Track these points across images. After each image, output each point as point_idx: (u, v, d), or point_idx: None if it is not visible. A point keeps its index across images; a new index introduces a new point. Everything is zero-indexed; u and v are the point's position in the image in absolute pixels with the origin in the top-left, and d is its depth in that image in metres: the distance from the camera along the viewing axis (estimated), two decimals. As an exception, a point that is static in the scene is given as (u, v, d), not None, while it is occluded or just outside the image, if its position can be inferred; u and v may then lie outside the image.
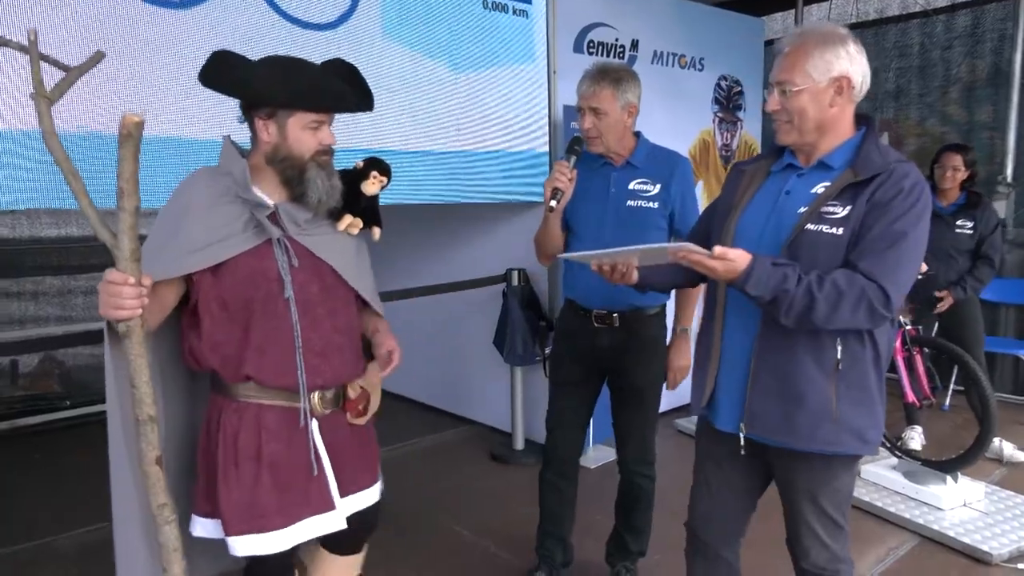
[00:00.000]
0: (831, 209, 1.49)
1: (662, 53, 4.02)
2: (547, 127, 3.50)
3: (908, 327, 3.34)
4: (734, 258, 1.44)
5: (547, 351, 3.40)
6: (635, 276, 1.64)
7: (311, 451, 1.55)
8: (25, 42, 1.21)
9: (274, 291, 1.50)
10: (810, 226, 1.50)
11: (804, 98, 1.53)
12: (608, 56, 3.76)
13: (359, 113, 2.76)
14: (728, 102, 4.44)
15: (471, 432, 4.15)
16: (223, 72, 1.47)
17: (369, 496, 1.69)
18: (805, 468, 1.61)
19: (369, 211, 1.69)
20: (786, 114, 1.55)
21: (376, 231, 1.71)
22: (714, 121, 4.39)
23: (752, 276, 1.43)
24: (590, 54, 3.64)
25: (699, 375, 1.75)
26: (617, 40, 3.78)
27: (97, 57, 1.24)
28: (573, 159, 2.10)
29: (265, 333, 1.51)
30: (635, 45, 3.87)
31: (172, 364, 1.60)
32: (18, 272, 4.17)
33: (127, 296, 1.23)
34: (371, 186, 1.65)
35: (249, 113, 1.51)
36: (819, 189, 1.54)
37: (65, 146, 1.22)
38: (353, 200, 1.64)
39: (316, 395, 1.56)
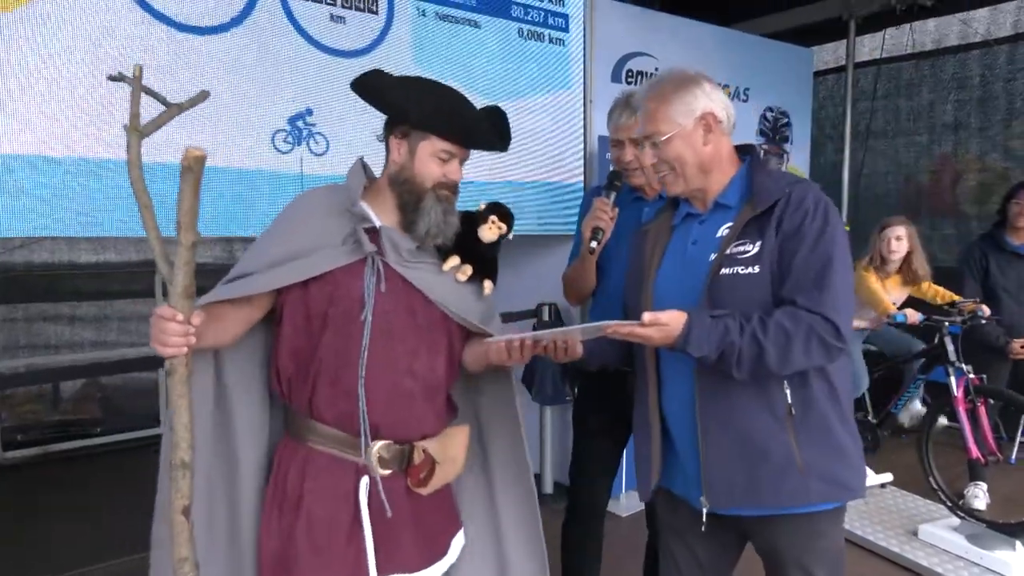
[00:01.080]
0: (740, 249, 1.42)
1: (705, 83, 3.89)
2: (582, 158, 3.39)
3: (971, 376, 3.09)
4: (667, 321, 1.34)
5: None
6: (579, 351, 1.50)
7: (353, 511, 1.39)
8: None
9: (352, 311, 1.38)
10: (724, 271, 1.42)
11: (677, 144, 1.48)
12: (648, 86, 3.64)
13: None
14: (774, 134, 4.28)
15: (499, 472, 3.99)
16: (376, 80, 1.43)
17: None
18: (785, 532, 1.47)
19: (481, 258, 1.52)
20: (665, 165, 1.51)
21: (488, 285, 1.53)
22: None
23: (692, 335, 1.33)
24: (628, 83, 3.54)
25: (641, 452, 1.59)
26: (657, 69, 3.66)
27: (200, 97, 1.25)
28: (613, 195, 1.98)
29: (331, 355, 1.38)
30: (676, 75, 3.74)
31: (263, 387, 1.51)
32: (56, 297, 4.22)
33: (172, 333, 1.16)
34: (488, 232, 1.51)
35: (389, 130, 1.45)
36: (723, 231, 1.46)
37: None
38: (468, 244, 1.50)
39: (375, 450, 1.39)
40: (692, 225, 1.53)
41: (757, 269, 1.39)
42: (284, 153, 2.55)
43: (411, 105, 1.39)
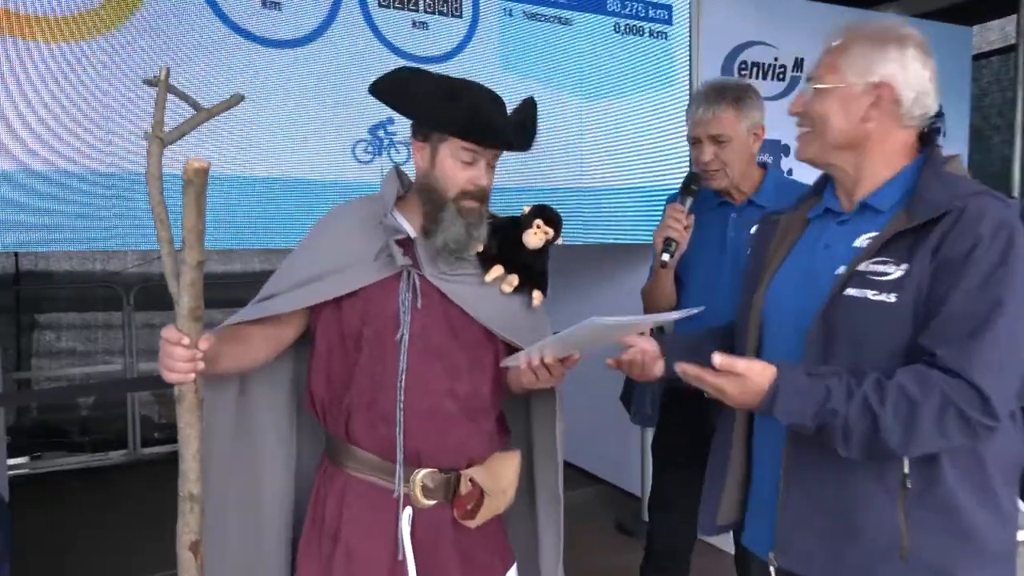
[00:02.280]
0: (879, 268, 1.10)
1: (834, 72, 3.49)
2: (689, 160, 3.12)
3: None
4: (745, 372, 1.06)
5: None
6: (575, 358, 1.27)
7: (393, 543, 1.30)
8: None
9: (387, 330, 1.30)
10: (851, 291, 1.11)
11: (830, 101, 1.18)
12: (766, 79, 3.32)
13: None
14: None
15: (600, 493, 3.84)
16: (391, 80, 1.34)
17: None
18: None
19: (527, 267, 1.40)
20: (808, 120, 1.22)
21: (537, 295, 1.41)
22: (903, 148, 3.74)
23: (779, 398, 1.05)
24: (742, 76, 3.23)
25: (711, 487, 1.35)
26: (776, 60, 3.32)
27: (233, 101, 1.20)
28: (690, 201, 1.76)
29: (367, 378, 1.31)
30: (799, 64, 3.38)
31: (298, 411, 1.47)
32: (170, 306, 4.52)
33: (179, 358, 1.08)
34: (533, 237, 1.37)
35: (412, 134, 1.36)
36: (863, 241, 1.15)
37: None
38: (512, 252, 1.38)
39: (419, 479, 1.30)
40: (829, 223, 1.24)
41: (894, 298, 1.08)
42: (364, 163, 2.52)
43: (426, 104, 1.27)
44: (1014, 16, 4.45)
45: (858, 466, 1.12)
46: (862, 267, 1.12)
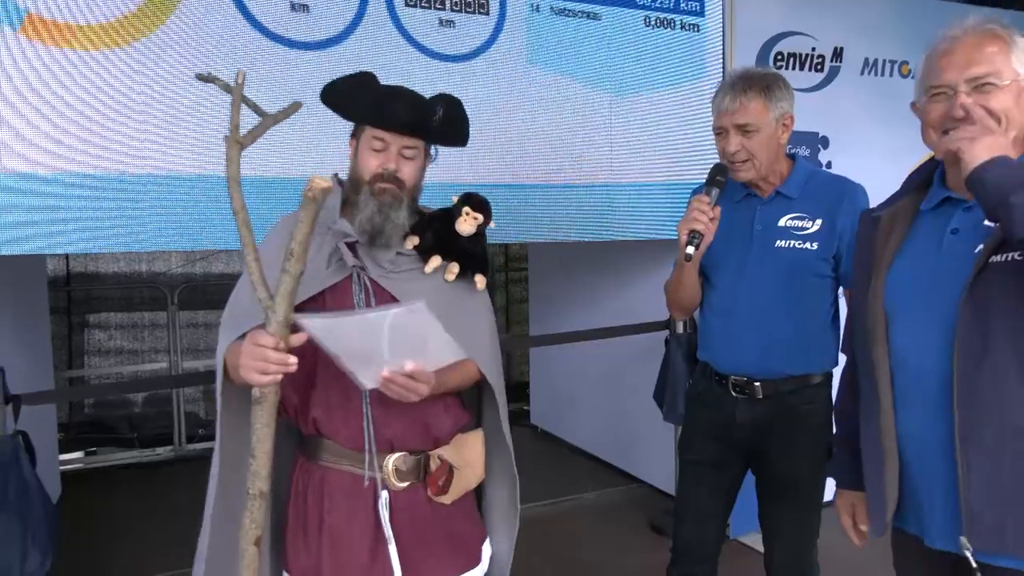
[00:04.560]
0: None
1: (875, 61, 3.38)
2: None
3: None
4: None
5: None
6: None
7: (375, 527, 1.35)
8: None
9: None
10: (996, 258, 1.15)
11: (1008, 97, 1.19)
12: (803, 70, 3.23)
13: (502, 145, 2.68)
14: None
15: (634, 492, 3.79)
16: (329, 87, 1.42)
17: None
18: None
19: (467, 254, 1.45)
20: (986, 115, 1.18)
21: (479, 279, 1.47)
22: (950, 138, 3.60)
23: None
24: (778, 67, 3.15)
25: (873, 476, 1.31)
26: (814, 50, 3.23)
27: (293, 108, 1.25)
28: (715, 193, 1.70)
29: (332, 378, 1.35)
30: (838, 54, 3.28)
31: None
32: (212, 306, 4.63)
33: (274, 360, 1.15)
34: (464, 224, 1.43)
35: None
36: None
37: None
38: (449, 241, 1.43)
39: (391, 463, 1.36)
40: (953, 212, 1.26)
41: None
42: (392, 162, 2.53)
43: (345, 98, 1.37)
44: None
45: None
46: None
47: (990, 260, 1.15)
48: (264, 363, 1.14)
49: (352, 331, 1.20)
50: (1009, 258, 1.14)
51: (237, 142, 1.15)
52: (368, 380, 1.25)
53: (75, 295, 4.81)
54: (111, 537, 3.34)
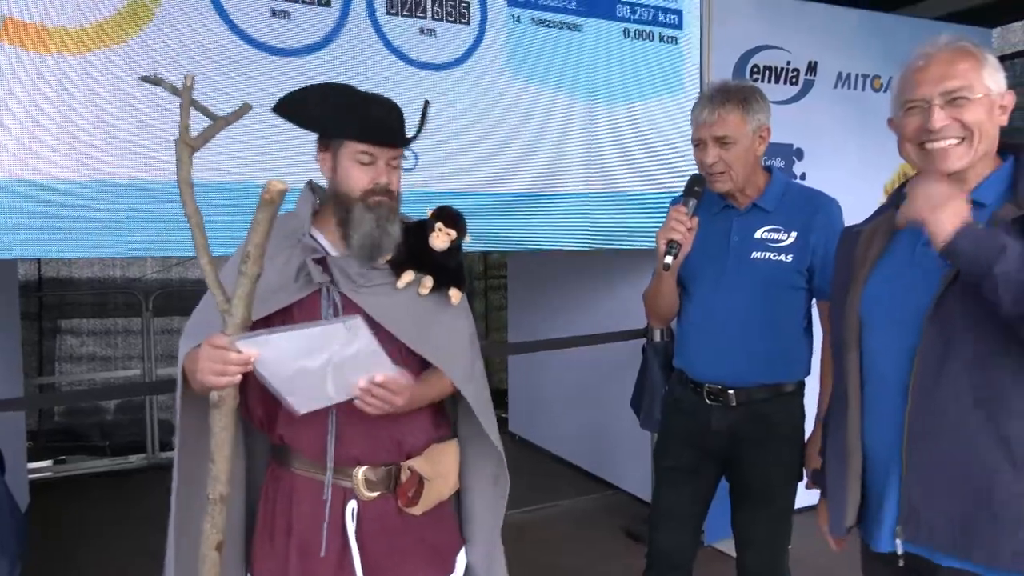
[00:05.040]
0: None
1: (849, 75, 3.45)
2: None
3: None
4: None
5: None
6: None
7: (342, 537, 1.35)
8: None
9: None
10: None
11: (981, 110, 1.22)
12: (779, 82, 3.29)
13: (481, 154, 2.70)
14: (939, 129, 3.70)
15: (609, 499, 3.81)
16: (286, 100, 1.37)
17: None
18: None
19: (441, 268, 1.42)
20: (958, 128, 1.22)
21: (455, 293, 1.44)
22: (920, 152, 3.68)
23: (965, 231, 1.10)
24: (754, 80, 3.20)
25: (836, 480, 1.35)
26: (789, 63, 3.30)
27: (244, 109, 1.23)
28: (693, 203, 1.72)
29: None
30: (812, 68, 3.35)
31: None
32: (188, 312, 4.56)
33: (233, 361, 1.14)
34: (436, 240, 1.40)
35: (317, 147, 1.41)
36: None
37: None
38: (422, 255, 1.41)
39: (360, 474, 1.35)
40: None
41: None
42: (372, 170, 2.53)
43: (323, 114, 1.32)
44: (1036, 17, 4.37)
45: (984, 437, 1.16)
46: None
47: (958, 277, 1.18)
48: (223, 365, 1.13)
49: (288, 346, 1.18)
50: None
51: (187, 144, 1.15)
52: (303, 401, 1.24)
53: (47, 300, 4.73)
54: (81, 546, 3.28)
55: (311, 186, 1.45)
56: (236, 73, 2.31)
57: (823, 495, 1.52)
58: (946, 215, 1.11)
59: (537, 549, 3.21)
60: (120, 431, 4.66)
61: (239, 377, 1.16)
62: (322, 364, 1.20)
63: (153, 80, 1.22)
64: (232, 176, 2.32)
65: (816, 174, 3.34)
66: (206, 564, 1.20)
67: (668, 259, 1.67)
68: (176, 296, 4.70)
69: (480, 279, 5.86)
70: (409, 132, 1.40)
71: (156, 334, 4.53)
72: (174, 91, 1.20)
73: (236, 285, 1.14)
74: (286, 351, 1.19)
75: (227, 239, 2.10)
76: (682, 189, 1.78)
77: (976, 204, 1.23)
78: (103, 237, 2.18)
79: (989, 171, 1.25)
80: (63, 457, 4.43)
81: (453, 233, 1.40)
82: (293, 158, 2.36)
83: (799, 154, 3.36)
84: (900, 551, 1.24)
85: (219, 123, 1.20)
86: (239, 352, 1.14)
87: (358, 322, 1.18)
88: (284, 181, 1.10)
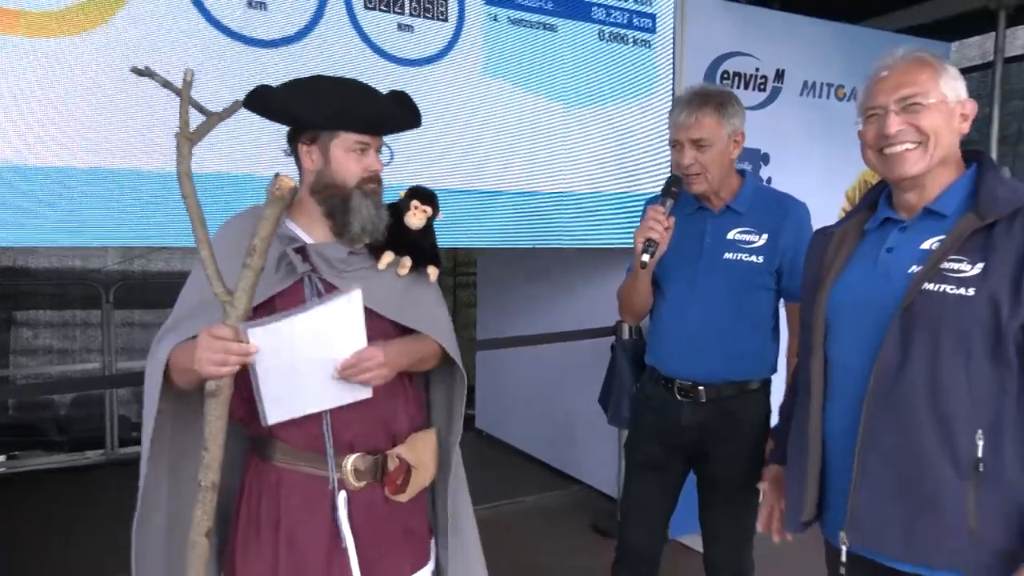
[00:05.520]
0: (955, 265, 1.20)
1: (814, 84, 3.55)
2: (669, 168, 3.15)
3: None
4: None
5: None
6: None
7: (332, 527, 1.36)
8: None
9: None
10: (929, 286, 1.21)
11: (937, 115, 1.26)
12: (748, 89, 3.37)
13: (455, 151, 2.70)
14: (898, 138, 3.83)
15: (576, 495, 3.85)
16: (264, 95, 1.38)
17: None
18: None
19: (418, 248, 1.47)
20: (914, 133, 1.26)
21: (432, 271, 1.49)
22: (880, 160, 3.80)
23: None
24: (724, 85, 3.27)
25: (794, 476, 1.40)
26: (758, 70, 3.38)
27: (235, 106, 1.28)
28: (670, 203, 1.76)
29: None
30: (780, 76, 3.44)
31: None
32: (170, 304, 4.47)
33: (235, 351, 1.17)
34: (413, 218, 1.44)
35: (294, 141, 1.41)
36: (932, 244, 1.26)
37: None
38: (399, 236, 1.45)
39: (350, 464, 1.36)
40: (890, 231, 1.33)
41: (972, 292, 1.18)
42: (347, 164, 2.53)
43: (311, 107, 1.34)
44: (992, 33, 4.54)
45: (933, 446, 1.20)
46: (941, 265, 1.21)
47: (924, 287, 1.21)
48: (224, 355, 1.16)
49: (292, 332, 1.22)
50: (941, 289, 1.20)
51: (187, 138, 1.18)
52: (276, 408, 1.27)
53: (2, 290, 4.59)
54: (37, 542, 3.20)
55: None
56: (210, 63, 2.27)
57: (762, 498, 1.58)
58: None
59: (504, 544, 3.23)
60: (77, 426, 4.55)
61: (238, 367, 1.18)
62: (315, 357, 1.24)
63: (146, 73, 1.23)
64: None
65: (781, 179, 3.43)
66: (196, 551, 1.22)
67: (645, 257, 1.71)
68: (138, 288, 4.61)
69: (449, 276, 5.86)
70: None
71: (117, 327, 4.44)
72: (166, 85, 1.22)
73: (240, 278, 1.17)
74: (288, 339, 1.22)
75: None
76: (652, 190, 1.82)
77: (936, 214, 1.27)
78: (61, 226, 2.13)
79: (950, 180, 1.29)
80: (16, 452, 4.30)
81: (429, 210, 1.46)
82: (263, 148, 2.34)
83: (765, 159, 3.44)
84: (844, 556, 1.29)
85: (213, 119, 1.25)
86: (241, 342, 1.17)
87: (358, 294, 1.21)
88: (293, 178, 1.13)
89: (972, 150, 1.33)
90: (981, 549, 1.18)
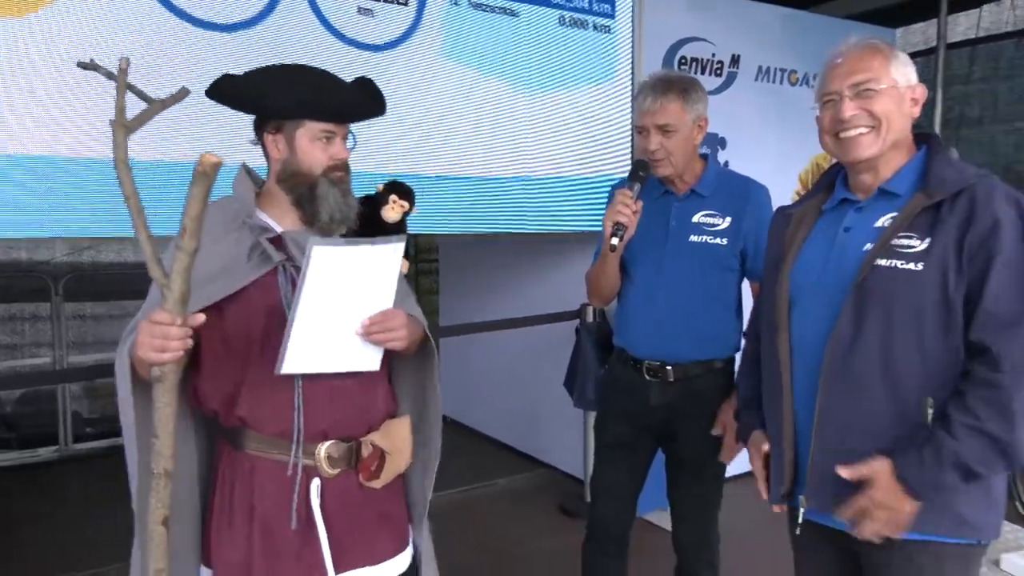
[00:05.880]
0: (905, 242, 1.27)
1: (768, 69, 3.62)
2: (630, 152, 3.20)
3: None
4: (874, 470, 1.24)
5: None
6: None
7: (300, 511, 1.36)
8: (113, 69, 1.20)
9: (273, 323, 1.35)
10: (881, 261, 1.27)
11: (889, 100, 1.31)
12: (705, 74, 3.42)
13: (417, 137, 2.69)
14: (848, 122, 3.94)
15: (543, 478, 3.90)
16: (229, 83, 1.38)
17: (390, 569, 1.47)
18: (904, 566, 1.29)
19: None
20: (867, 117, 1.32)
21: (404, 263, 1.47)
22: (831, 144, 3.91)
23: (911, 478, 1.22)
24: (682, 70, 3.32)
25: (774, 450, 1.45)
26: (714, 55, 3.43)
27: (182, 94, 1.22)
28: (637, 187, 1.80)
29: (264, 370, 1.34)
30: (735, 61, 3.50)
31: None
32: (121, 295, 4.37)
33: (174, 337, 1.14)
34: (390, 212, 1.49)
35: (260, 130, 1.41)
36: (885, 221, 1.30)
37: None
38: (374, 228, 1.47)
39: (323, 451, 1.37)
40: (847, 211, 1.39)
41: (921, 266, 1.24)
42: (309, 150, 2.49)
43: (276, 96, 1.34)
44: (935, 20, 4.69)
45: (884, 420, 1.27)
46: (892, 241, 1.28)
47: (876, 263, 1.28)
48: (163, 340, 1.14)
49: (346, 260, 1.26)
50: (892, 264, 1.26)
51: (124, 126, 1.16)
52: (296, 357, 1.27)
53: (-57, 284, 4.40)
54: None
55: (246, 169, 1.46)
56: (162, 46, 2.21)
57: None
58: (889, 527, 1.24)
59: (475, 528, 3.27)
60: (25, 422, 4.40)
61: (180, 353, 1.16)
62: (351, 303, 1.28)
63: (90, 66, 1.20)
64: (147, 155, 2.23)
65: (738, 162, 3.50)
66: (154, 539, 1.20)
67: (614, 240, 1.74)
68: (88, 280, 4.46)
69: (411, 263, 5.82)
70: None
71: (67, 320, 4.30)
72: (110, 76, 1.19)
73: (174, 260, 1.13)
74: (341, 271, 1.25)
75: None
76: (612, 174, 1.85)
77: (890, 194, 1.34)
78: (6, 216, 2.06)
79: (902, 162, 1.35)
80: (-39, 452, 4.15)
81: (406, 205, 1.50)
82: (223, 134, 2.30)
83: (723, 143, 3.51)
84: (800, 518, 1.37)
85: (155, 106, 1.20)
86: (180, 327, 1.15)
87: (401, 245, 1.25)
88: (216, 155, 1.10)
89: (923, 132, 1.39)
90: (931, 509, 1.25)
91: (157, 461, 1.18)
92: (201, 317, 1.19)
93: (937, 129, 4.55)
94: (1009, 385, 1.17)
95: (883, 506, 1.23)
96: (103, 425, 4.31)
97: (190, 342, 1.16)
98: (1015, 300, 1.19)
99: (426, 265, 5.83)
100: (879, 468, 1.23)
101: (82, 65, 1.21)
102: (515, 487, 3.82)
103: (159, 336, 1.14)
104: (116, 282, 4.37)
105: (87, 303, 4.35)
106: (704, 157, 1.95)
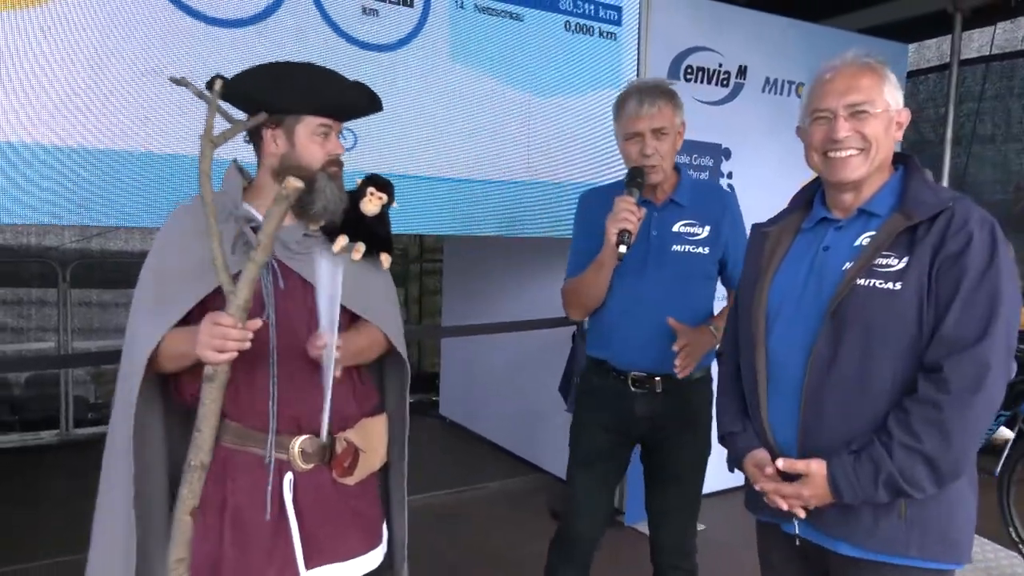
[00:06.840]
0: (884, 261, 1.28)
1: (776, 81, 3.61)
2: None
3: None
4: (807, 470, 1.29)
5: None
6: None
7: (276, 507, 1.38)
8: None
9: (254, 313, 1.35)
10: (860, 281, 1.28)
11: (880, 124, 1.32)
12: (711, 84, 3.42)
13: (420, 138, 2.71)
14: (856, 136, 3.92)
15: (537, 482, 3.90)
16: (240, 84, 1.40)
17: (360, 565, 1.49)
18: None
19: (372, 234, 1.51)
20: (858, 140, 1.32)
21: (385, 258, 1.53)
22: (838, 157, 3.89)
23: (843, 489, 1.26)
24: (687, 81, 3.32)
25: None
26: (721, 66, 3.43)
27: (260, 118, 1.38)
28: (636, 194, 1.80)
29: (240, 363, 1.34)
30: (743, 72, 3.49)
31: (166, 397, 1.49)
32: (129, 283, 4.40)
33: (235, 338, 1.24)
34: (369, 204, 1.49)
35: (257, 126, 1.42)
36: (864, 240, 1.32)
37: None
38: (355, 222, 1.48)
39: (297, 445, 1.39)
40: (826, 230, 1.39)
41: (899, 286, 1.25)
42: (309, 147, 2.51)
43: (280, 92, 1.39)
44: (949, 36, 4.66)
45: (865, 435, 1.27)
46: (872, 261, 1.28)
47: (856, 282, 1.28)
48: (223, 341, 1.23)
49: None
50: (872, 284, 1.27)
51: (211, 142, 1.30)
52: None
53: (-47, 267, 4.48)
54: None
55: (237, 165, 1.50)
56: (168, 42, 2.24)
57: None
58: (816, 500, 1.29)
59: (467, 529, 3.28)
60: (31, 406, 4.47)
61: (236, 354, 1.25)
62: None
63: (181, 82, 1.32)
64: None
65: (742, 174, 3.50)
66: (179, 528, 1.30)
67: (622, 248, 1.72)
68: (96, 267, 4.53)
69: (415, 262, 5.85)
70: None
71: (73, 306, 4.36)
72: (199, 95, 1.31)
73: (245, 270, 1.25)
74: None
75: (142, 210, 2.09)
76: (615, 180, 1.84)
77: (869, 214, 1.34)
78: (15, 203, 2.10)
79: (882, 182, 1.36)
80: (-33, 432, 4.22)
81: (385, 197, 1.50)
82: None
83: (727, 153, 3.51)
84: (797, 532, 1.37)
85: (237, 126, 1.35)
86: (240, 330, 1.24)
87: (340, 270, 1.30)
88: (299, 181, 1.23)
89: (899, 153, 1.40)
90: (913, 531, 1.27)
91: (196, 454, 1.29)
92: (258, 322, 1.27)
93: (948, 146, 4.52)
94: (952, 407, 1.19)
95: (811, 500, 1.30)
96: (106, 411, 4.36)
97: (248, 344, 1.25)
98: (972, 324, 1.20)
99: (431, 265, 5.86)
100: (815, 470, 1.27)
101: (174, 80, 1.33)
102: (508, 489, 3.83)
103: (219, 336, 1.23)
104: (123, 269, 4.43)
105: (93, 290, 4.40)
106: (676, 167, 1.95)
